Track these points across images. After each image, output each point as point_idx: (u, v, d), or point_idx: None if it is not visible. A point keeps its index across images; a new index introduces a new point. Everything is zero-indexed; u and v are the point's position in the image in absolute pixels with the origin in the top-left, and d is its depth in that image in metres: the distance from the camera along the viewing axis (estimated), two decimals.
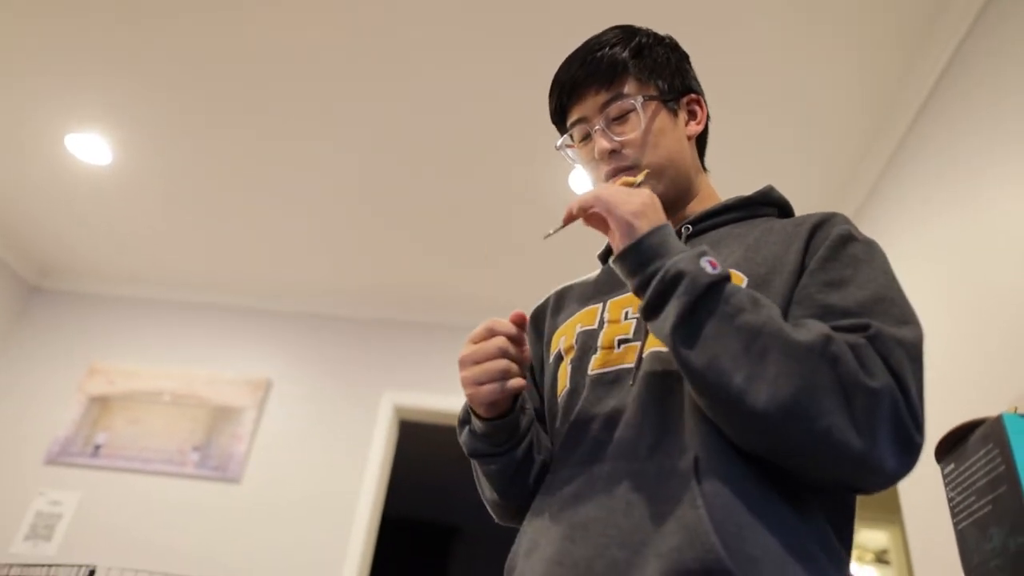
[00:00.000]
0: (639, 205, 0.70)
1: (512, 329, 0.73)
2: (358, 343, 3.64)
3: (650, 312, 0.67)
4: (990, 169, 1.81)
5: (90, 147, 2.84)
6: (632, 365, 0.76)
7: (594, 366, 0.79)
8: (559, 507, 0.72)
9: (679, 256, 0.66)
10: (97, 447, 3.30)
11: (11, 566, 2.23)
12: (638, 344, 0.77)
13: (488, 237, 3.17)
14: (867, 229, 2.46)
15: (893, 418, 0.61)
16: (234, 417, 3.37)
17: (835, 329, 0.65)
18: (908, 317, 0.67)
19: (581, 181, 2.74)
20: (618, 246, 0.70)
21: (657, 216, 0.70)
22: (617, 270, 0.70)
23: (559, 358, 0.85)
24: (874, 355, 0.62)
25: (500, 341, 0.72)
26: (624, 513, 0.66)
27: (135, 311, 3.73)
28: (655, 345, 0.75)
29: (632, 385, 0.75)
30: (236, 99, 2.57)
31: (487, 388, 0.71)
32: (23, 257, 3.65)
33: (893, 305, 0.67)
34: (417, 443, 4.39)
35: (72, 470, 3.26)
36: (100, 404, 3.41)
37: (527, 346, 0.75)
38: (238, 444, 3.30)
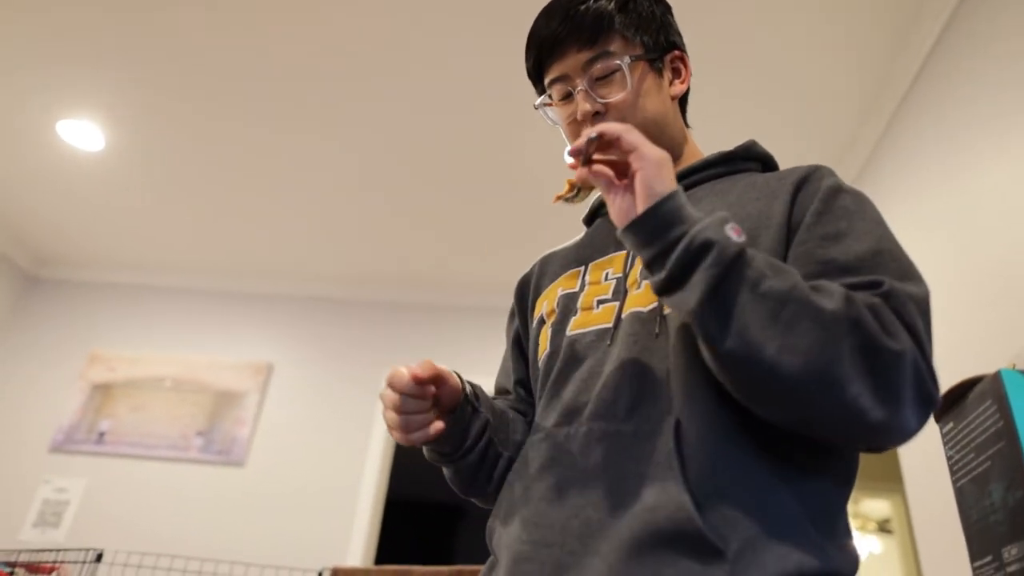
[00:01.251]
0: (663, 154, 0.65)
1: (405, 385, 0.71)
2: (359, 325, 3.64)
3: (672, 284, 0.61)
4: (985, 136, 1.81)
5: (82, 133, 2.82)
6: (610, 325, 0.75)
7: (572, 327, 0.78)
8: (536, 469, 0.72)
9: (704, 223, 0.61)
10: (101, 434, 3.31)
11: (20, 552, 2.25)
12: (616, 304, 0.76)
13: (490, 218, 3.15)
14: (868, 188, 2.45)
15: (916, 378, 0.60)
16: (236, 401, 3.38)
17: (848, 288, 0.63)
18: (911, 271, 0.66)
19: None
20: (635, 206, 0.63)
21: (672, 175, 0.65)
22: (628, 236, 0.64)
23: (541, 322, 0.84)
24: (891, 315, 0.61)
25: (393, 397, 0.72)
26: (600, 474, 0.66)
27: (134, 298, 3.73)
28: (635, 305, 0.74)
29: (610, 345, 0.73)
30: (229, 83, 2.54)
31: (394, 434, 0.74)
32: (20, 247, 3.64)
33: (893, 258, 0.67)
34: None
35: (77, 457, 3.27)
36: (102, 391, 3.42)
37: (432, 388, 0.73)
38: (241, 428, 3.32)
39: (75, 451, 3.29)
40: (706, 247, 0.60)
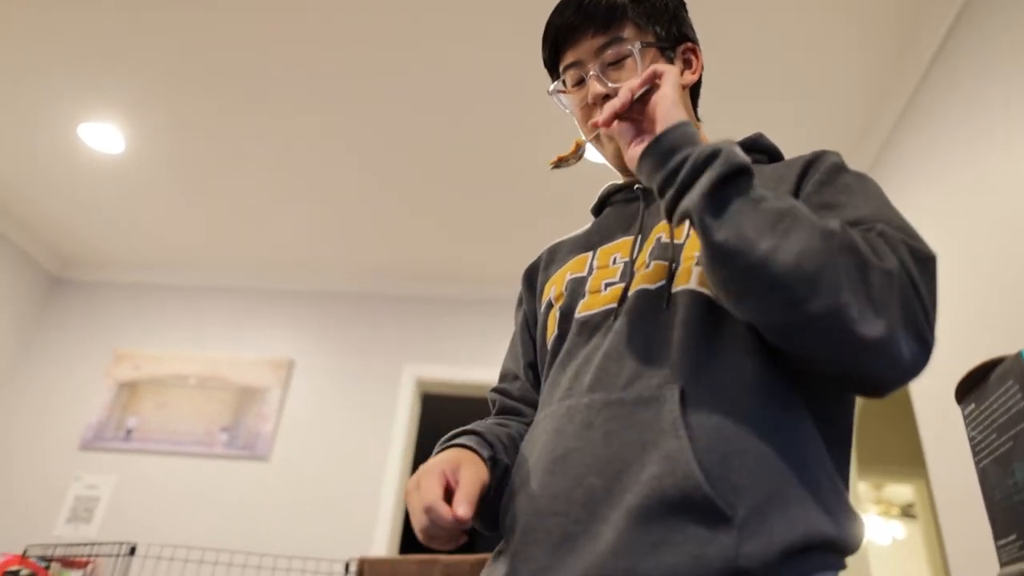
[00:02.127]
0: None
1: (446, 524, 0.62)
2: (377, 318, 3.67)
3: (681, 192, 0.64)
4: (1001, 121, 1.79)
5: (103, 136, 2.86)
6: (616, 304, 0.76)
7: (580, 310, 0.80)
8: (542, 443, 0.72)
9: (712, 141, 0.66)
10: (129, 431, 3.38)
11: (55, 546, 2.31)
12: (623, 285, 0.77)
13: (501, 210, 3.17)
14: (882, 180, 2.43)
15: (904, 301, 0.60)
16: (259, 397, 3.43)
17: None
18: (912, 232, 0.67)
19: (593, 152, 2.73)
20: (653, 128, 0.69)
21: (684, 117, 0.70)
22: (646, 159, 0.68)
23: (549, 306, 0.85)
24: (884, 245, 0.63)
25: (424, 523, 0.64)
26: (602, 443, 0.66)
27: (156, 296, 3.79)
28: (642, 283, 0.75)
29: (614, 320, 0.75)
30: (247, 84, 2.57)
31: (421, 539, 0.67)
32: (44, 248, 3.71)
33: (891, 220, 0.67)
34: (440, 415, 4.44)
35: (106, 454, 3.34)
36: (129, 389, 3.48)
37: (462, 531, 0.65)
38: (264, 423, 3.37)
39: (104, 448, 3.35)
40: (714, 154, 0.64)
